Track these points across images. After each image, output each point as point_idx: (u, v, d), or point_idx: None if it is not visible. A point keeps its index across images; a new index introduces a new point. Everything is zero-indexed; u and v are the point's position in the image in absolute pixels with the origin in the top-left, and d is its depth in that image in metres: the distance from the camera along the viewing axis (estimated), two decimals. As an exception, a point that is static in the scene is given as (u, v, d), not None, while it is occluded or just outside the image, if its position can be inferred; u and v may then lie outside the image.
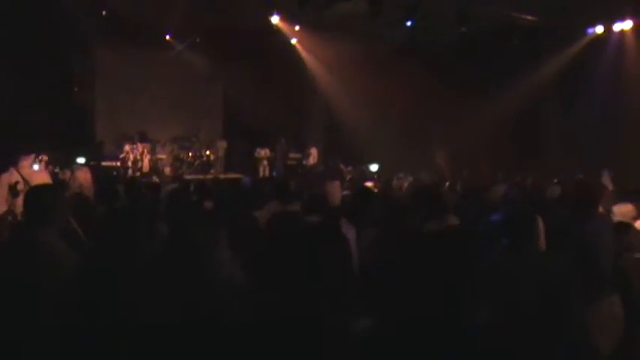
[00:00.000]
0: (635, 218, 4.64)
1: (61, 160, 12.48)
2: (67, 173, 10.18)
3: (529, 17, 13.90)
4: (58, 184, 5.98)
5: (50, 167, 11.42)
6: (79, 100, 16.39)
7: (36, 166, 10.38)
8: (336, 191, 5.18)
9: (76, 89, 16.42)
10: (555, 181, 9.35)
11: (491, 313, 2.53)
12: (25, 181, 4.79)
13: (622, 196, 5.24)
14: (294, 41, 17.38)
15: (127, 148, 15.33)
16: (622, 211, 4.63)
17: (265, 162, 17.32)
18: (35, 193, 3.23)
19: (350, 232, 4.02)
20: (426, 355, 1.91)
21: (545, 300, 2.81)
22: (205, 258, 2.32)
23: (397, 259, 2.52)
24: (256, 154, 17.26)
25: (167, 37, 16.21)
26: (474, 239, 3.35)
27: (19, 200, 4.36)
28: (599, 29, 14.55)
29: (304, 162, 17.95)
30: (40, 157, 11.99)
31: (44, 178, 5.09)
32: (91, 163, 13.52)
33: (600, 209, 4.62)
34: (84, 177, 5.09)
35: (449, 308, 1.89)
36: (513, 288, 2.86)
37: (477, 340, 1.91)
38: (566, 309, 2.86)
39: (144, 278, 2.34)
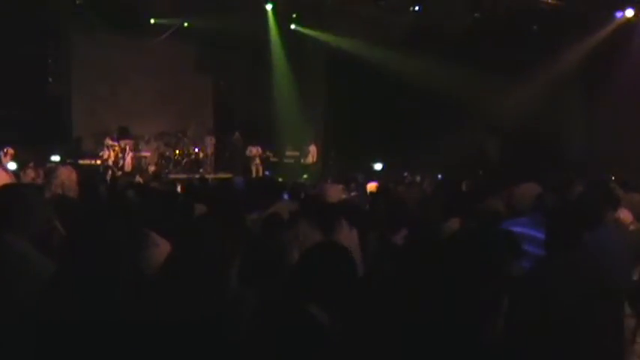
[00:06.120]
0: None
1: (33, 158, 12.45)
2: (31, 173, 10.10)
3: (550, 0, 13.89)
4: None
5: (32, 165, 11.39)
6: (53, 92, 16.35)
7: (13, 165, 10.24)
8: (334, 192, 5.37)
9: (50, 80, 16.38)
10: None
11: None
12: None
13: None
14: (292, 27, 17.42)
15: (107, 144, 15.30)
16: None
17: (258, 160, 17.32)
18: (1, 193, 3.16)
19: (350, 235, 4.23)
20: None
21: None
22: (222, 270, 2.36)
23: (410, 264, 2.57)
24: (248, 153, 17.27)
25: (151, 21, 16.19)
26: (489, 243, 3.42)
27: None
28: (629, 13, 14.42)
29: (302, 160, 17.97)
30: (5, 150, 11.89)
31: (3, 177, 4.84)
32: (68, 161, 13.47)
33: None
34: (67, 176, 4.94)
35: (460, 315, 1.90)
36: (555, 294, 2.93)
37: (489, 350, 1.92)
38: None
39: (147, 286, 2.37)
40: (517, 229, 4.03)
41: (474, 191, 7.62)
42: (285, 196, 6.84)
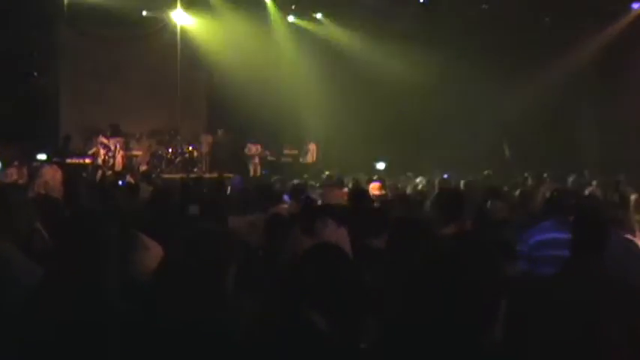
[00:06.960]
0: None
1: (18, 156, 12.39)
2: (13, 173, 10.06)
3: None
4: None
5: (16, 164, 11.35)
6: (39, 87, 16.28)
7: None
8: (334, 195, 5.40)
9: (35, 74, 16.31)
10: (594, 183, 9.31)
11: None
12: None
13: None
14: (290, 19, 17.39)
15: (100, 142, 15.23)
16: None
17: (257, 159, 17.32)
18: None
19: (337, 234, 4.22)
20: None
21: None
22: (219, 274, 2.34)
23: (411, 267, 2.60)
24: (246, 151, 17.28)
25: (143, 13, 16.13)
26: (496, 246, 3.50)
27: None
28: (647, 3, 14.43)
29: (302, 159, 17.93)
30: None
31: None
32: (54, 160, 13.41)
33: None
34: (51, 175, 4.95)
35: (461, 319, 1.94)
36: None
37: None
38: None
39: (138, 291, 2.38)
40: (546, 236, 4.12)
41: (472, 192, 7.59)
42: (286, 197, 6.78)
